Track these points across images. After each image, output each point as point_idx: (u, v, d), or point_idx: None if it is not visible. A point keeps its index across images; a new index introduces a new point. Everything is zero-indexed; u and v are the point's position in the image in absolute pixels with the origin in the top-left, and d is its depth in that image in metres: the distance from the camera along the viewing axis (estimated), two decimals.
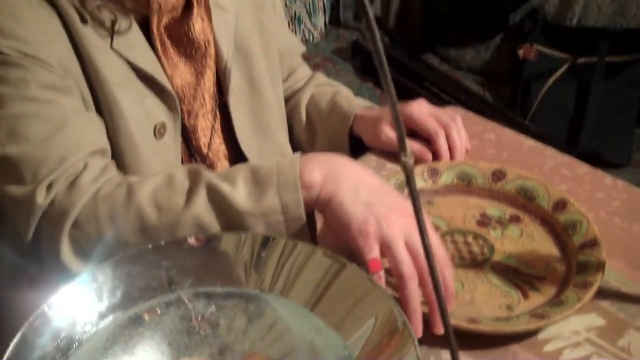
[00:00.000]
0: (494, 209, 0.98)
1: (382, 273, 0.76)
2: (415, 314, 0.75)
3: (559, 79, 2.38)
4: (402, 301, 0.75)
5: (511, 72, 2.51)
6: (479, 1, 2.52)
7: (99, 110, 0.92)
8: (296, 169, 0.80)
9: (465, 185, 1.01)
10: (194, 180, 0.82)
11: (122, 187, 0.83)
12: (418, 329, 0.76)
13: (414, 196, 0.45)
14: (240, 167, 0.83)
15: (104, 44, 0.90)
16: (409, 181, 0.44)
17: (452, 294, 0.80)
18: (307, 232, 0.80)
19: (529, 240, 0.92)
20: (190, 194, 0.81)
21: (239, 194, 0.79)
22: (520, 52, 2.40)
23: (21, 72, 0.84)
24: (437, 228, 0.94)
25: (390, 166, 1.07)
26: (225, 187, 0.80)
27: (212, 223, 0.80)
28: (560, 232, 0.92)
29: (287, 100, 1.21)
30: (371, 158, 1.10)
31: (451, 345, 0.48)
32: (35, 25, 0.85)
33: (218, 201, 0.80)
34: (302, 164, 0.81)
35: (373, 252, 0.76)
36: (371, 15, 0.34)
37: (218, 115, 1.05)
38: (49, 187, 0.82)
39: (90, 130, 0.89)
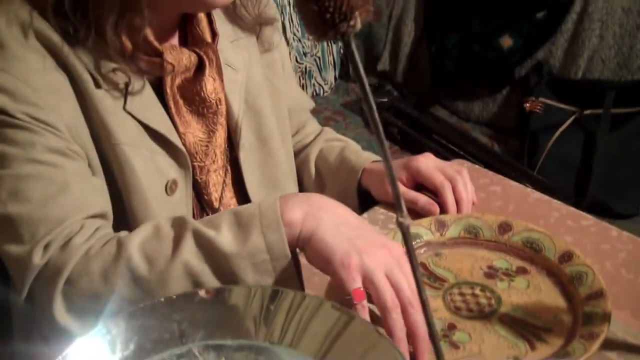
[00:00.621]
0: (501, 261, 0.99)
1: (365, 302, 0.79)
2: (401, 343, 0.77)
3: (566, 131, 2.40)
4: (386, 332, 0.77)
5: (519, 124, 2.53)
6: (485, 56, 2.56)
7: (110, 170, 0.94)
8: (277, 208, 0.82)
9: (472, 237, 1.02)
10: (179, 228, 0.84)
11: (112, 242, 0.85)
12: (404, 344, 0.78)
13: (410, 255, 0.47)
14: (223, 213, 0.86)
15: (117, 106, 0.92)
16: (406, 240, 0.46)
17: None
18: (293, 269, 0.82)
19: (535, 291, 0.93)
20: (177, 242, 0.83)
21: (225, 237, 0.81)
22: (527, 106, 2.42)
23: (29, 135, 0.86)
24: (444, 280, 0.95)
25: None
26: (210, 232, 0.82)
27: (202, 269, 0.82)
28: (566, 284, 0.93)
29: (297, 154, 1.23)
30: (379, 211, 1.11)
31: None
32: (47, 89, 0.87)
33: (205, 246, 0.82)
34: (283, 203, 0.83)
35: (356, 283, 0.78)
36: (367, 85, 0.36)
37: (229, 170, 1.08)
38: (46, 247, 0.84)
39: (91, 195, 0.90)
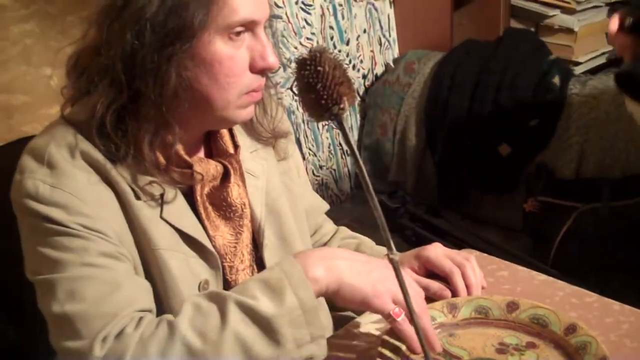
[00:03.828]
0: (511, 338, 1.01)
1: (404, 316, 0.93)
2: (435, 337, 0.96)
3: (570, 227, 2.42)
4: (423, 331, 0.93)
5: (525, 224, 2.56)
6: (486, 163, 2.61)
7: (150, 272, 0.99)
8: (300, 269, 0.91)
9: (482, 317, 1.05)
10: (219, 301, 0.90)
11: (162, 325, 0.90)
12: (438, 345, 0.97)
13: (401, 283, 0.53)
14: (249, 283, 0.93)
15: (155, 214, 0.99)
16: (397, 272, 0.53)
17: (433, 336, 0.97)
18: (320, 317, 0.90)
19: None
20: (223, 313, 0.88)
21: (263, 303, 0.89)
22: (526, 206, 2.46)
23: (83, 242, 0.93)
24: (459, 358, 0.98)
25: None
26: (249, 301, 0.89)
27: (249, 334, 0.87)
28: (573, 354, 0.94)
29: None
30: None
31: None
32: (95, 202, 0.95)
33: (250, 314, 0.88)
34: (302, 262, 0.92)
35: (391, 305, 0.94)
36: (355, 148, 0.43)
37: (255, 269, 1.12)
38: (104, 340, 0.88)
39: (139, 292, 0.96)
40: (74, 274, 0.91)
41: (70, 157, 0.95)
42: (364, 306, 0.94)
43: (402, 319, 0.93)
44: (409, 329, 0.94)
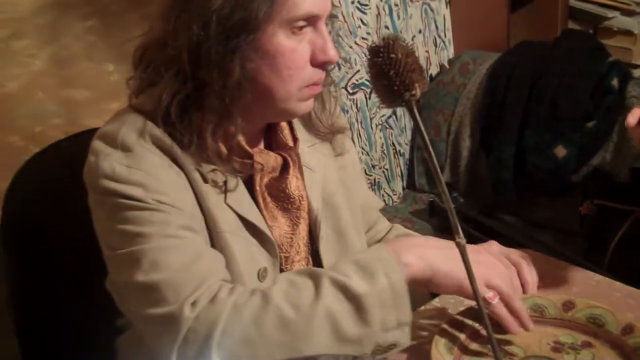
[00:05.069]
0: (566, 336, 1.01)
1: (498, 299, 0.98)
2: (527, 316, 1.00)
3: (627, 231, 2.38)
4: (514, 312, 0.99)
5: (582, 227, 2.52)
6: (541, 166, 2.59)
7: None
8: (392, 255, 0.95)
9: (538, 315, 1.05)
10: (313, 277, 0.93)
11: (256, 295, 0.92)
12: (531, 325, 1.00)
13: (468, 270, 0.54)
14: (341, 263, 0.95)
15: (220, 199, 1.02)
16: (463, 256, 0.55)
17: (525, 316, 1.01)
18: (408, 301, 0.93)
19: None
20: (317, 287, 0.91)
21: (356, 281, 0.91)
22: (582, 209, 2.43)
23: (163, 215, 0.96)
24: (514, 355, 0.98)
25: (468, 302, 1.12)
26: (343, 278, 0.91)
27: (340, 309, 0.90)
28: (630, 354, 0.94)
29: None
30: (449, 295, 1.15)
31: None
32: (169, 182, 0.98)
33: (343, 290, 0.91)
34: (393, 249, 0.96)
35: (486, 289, 0.98)
36: (425, 134, 0.44)
37: (310, 261, 1.14)
38: (193, 304, 0.91)
39: (218, 263, 0.99)
40: (157, 244, 0.94)
41: (142, 140, 0.99)
42: (458, 292, 0.97)
43: (496, 302, 0.97)
44: (503, 312, 0.98)
